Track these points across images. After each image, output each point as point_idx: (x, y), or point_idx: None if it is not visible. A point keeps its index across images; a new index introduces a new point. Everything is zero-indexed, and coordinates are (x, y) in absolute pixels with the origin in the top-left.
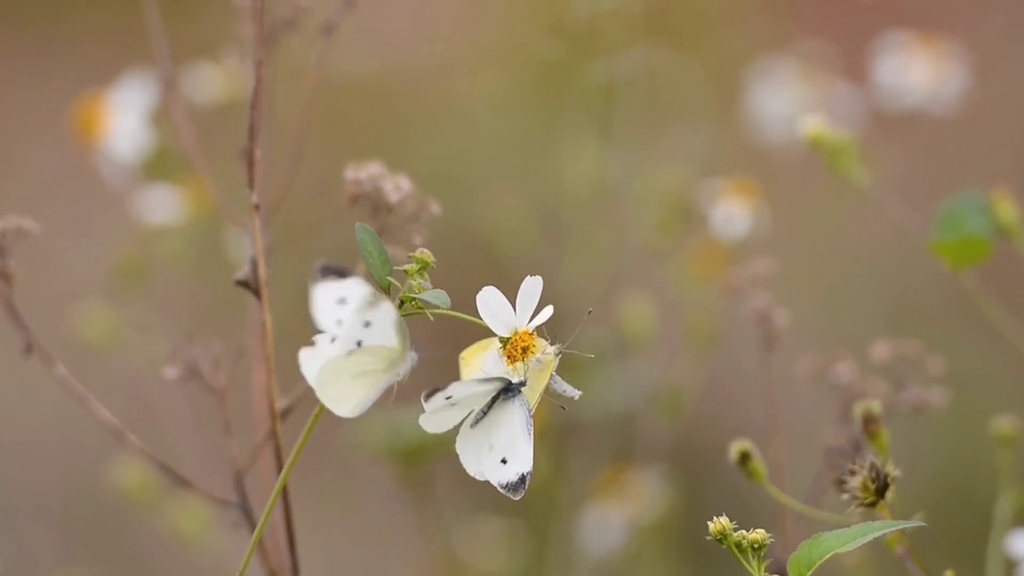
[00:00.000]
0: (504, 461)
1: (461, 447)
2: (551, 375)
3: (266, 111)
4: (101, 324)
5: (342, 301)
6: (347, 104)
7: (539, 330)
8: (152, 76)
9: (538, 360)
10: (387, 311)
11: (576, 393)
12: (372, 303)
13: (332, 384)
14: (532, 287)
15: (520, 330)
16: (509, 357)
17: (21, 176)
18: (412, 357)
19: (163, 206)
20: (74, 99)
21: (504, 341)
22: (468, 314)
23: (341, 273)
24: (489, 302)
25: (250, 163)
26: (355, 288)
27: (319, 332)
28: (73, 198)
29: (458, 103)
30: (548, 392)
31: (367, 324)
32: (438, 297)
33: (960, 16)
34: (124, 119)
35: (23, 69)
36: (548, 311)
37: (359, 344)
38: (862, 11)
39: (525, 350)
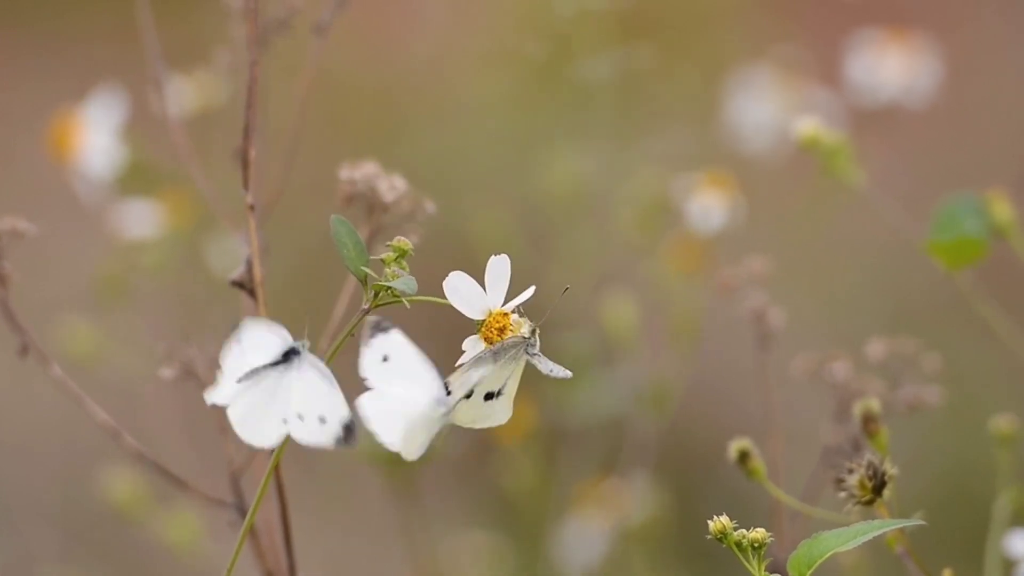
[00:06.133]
0: (323, 420)
1: (243, 422)
2: (538, 356)
3: (260, 111)
4: (86, 338)
5: (385, 358)
6: (340, 105)
7: (517, 310)
8: (140, 81)
9: (514, 341)
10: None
11: (566, 373)
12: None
13: (411, 432)
14: (499, 266)
15: (494, 311)
16: (486, 339)
17: (19, 174)
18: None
19: (141, 220)
20: (72, 98)
21: (480, 324)
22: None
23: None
24: (457, 286)
25: (245, 163)
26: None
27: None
28: (72, 196)
29: (449, 104)
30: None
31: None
32: (406, 283)
33: (955, 16)
34: (96, 135)
35: (22, 68)
36: (529, 291)
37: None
38: (858, 10)
39: (502, 330)
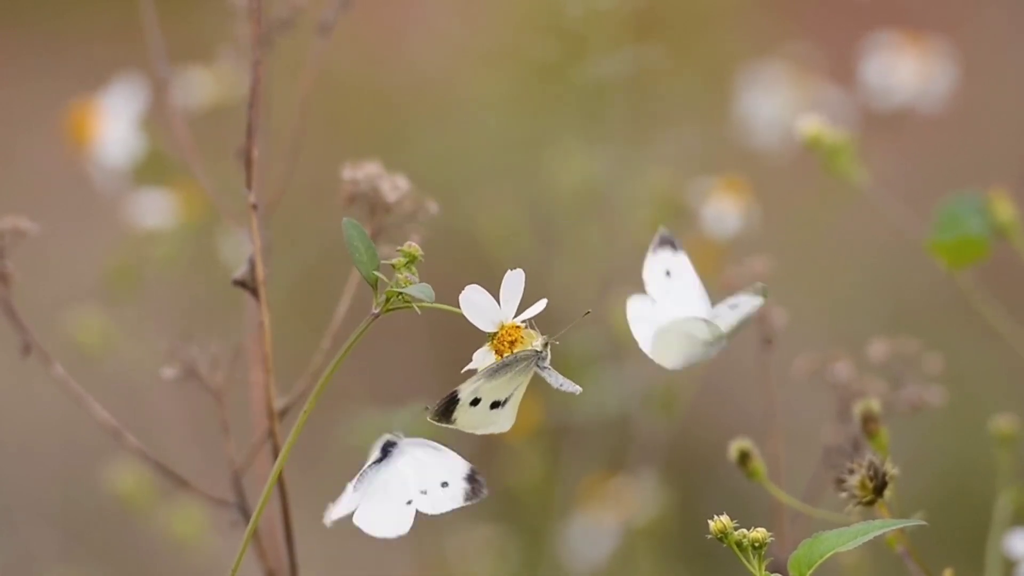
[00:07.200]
0: (445, 484)
1: (372, 522)
2: (548, 370)
3: (263, 111)
4: (94, 330)
5: (668, 273)
6: (344, 105)
7: (529, 323)
8: (143, 80)
9: (525, 353)
10: (748, 303)
11: (576, 388)
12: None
13: (662, 338)
14: (514, 280)
15: (506, 324)
16: (497, 352)
17: (20, 174)
18: (724, 347)
19: (156, 210)
20: (73, 97)
21: (491, 336)
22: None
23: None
24: (473, 299)
25: (248, 163)
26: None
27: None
28: (73, 195)
29: (455, 104)
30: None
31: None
32: (422, 291)
33: (958, 16)
34: (115, 125)
35: (22, 67)
36: (541, 304)
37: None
38: (861, 11)
39: (513, 343)
